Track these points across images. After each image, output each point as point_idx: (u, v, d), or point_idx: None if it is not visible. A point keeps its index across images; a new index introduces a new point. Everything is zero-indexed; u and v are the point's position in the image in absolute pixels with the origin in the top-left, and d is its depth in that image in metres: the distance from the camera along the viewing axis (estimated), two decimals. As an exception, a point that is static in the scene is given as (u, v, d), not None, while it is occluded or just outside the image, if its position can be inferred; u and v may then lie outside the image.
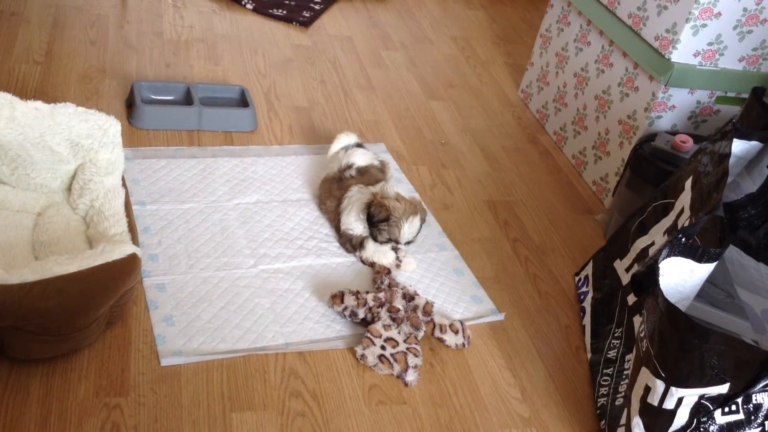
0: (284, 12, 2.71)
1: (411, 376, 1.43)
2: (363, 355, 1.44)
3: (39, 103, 1.54)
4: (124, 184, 1.58)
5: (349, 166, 1.80)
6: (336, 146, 1.90)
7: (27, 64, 2.11)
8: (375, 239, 1.68)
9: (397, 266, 1.68)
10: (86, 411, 1.25)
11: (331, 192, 1.78)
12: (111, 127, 1.57)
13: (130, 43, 2.31)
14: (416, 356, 1.46)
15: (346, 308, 1.51)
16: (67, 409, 1.25)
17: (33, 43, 2.20)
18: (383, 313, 1.50)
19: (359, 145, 1.89)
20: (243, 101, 2.11)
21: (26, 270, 1.21)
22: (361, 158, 1.83)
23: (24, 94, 1.96)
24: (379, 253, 1.68)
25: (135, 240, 1.44)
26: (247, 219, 1.74)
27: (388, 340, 1.47)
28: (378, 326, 1.48)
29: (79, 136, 1.55)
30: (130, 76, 2.15)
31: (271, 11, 2.70)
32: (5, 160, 1.54)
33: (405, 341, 1.48)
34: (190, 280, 1.54)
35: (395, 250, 1.70)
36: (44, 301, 1.20)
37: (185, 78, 2.20)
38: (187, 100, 2.05)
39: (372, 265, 1.68)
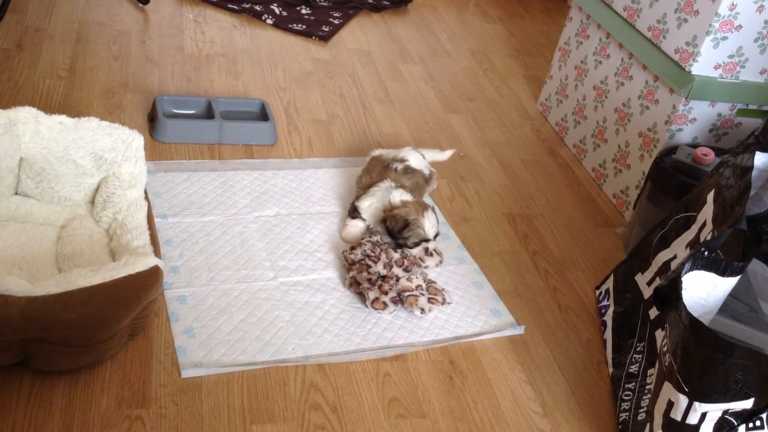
0: (304, 26, 2.73)
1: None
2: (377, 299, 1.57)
3: (63, 118, 1.57)
4: (146, 197, 1.60)
5: (401, 160, 1.84)
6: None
7: (51, 78, 2.14)
8: (408, 246, 1.71)
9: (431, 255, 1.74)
10: (108, 422, 1.26)
11: (372, 171, 1.84)
12: (134, 140, 1.59)
13: (152, 58, 2.34)
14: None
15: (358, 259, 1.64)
16: (89, 420, 1.26)
17: (57, 58, 2.24)
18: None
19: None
20: (263, 115, 2.13)
21: (50, 282, 1.22)
22: (414, 161, 1.87)
23: (48, 108, 1.99)
24: (349, 227, 1.76)
25: (157, 252, 1.45)
26: (267, 232, 1.75)
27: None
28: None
29: (103, 150, 1.57)
30: (152, 90, 2.18)
31: (290, 26, 2.72)
32: (30, 174, 1.56)
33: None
34: (211, 292, 1.55)
35: (426, 250, 1.72)
36: (68, 312, 1.21)
37: (206, 92, 2.22)
38: (208, 114, 2.06)
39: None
